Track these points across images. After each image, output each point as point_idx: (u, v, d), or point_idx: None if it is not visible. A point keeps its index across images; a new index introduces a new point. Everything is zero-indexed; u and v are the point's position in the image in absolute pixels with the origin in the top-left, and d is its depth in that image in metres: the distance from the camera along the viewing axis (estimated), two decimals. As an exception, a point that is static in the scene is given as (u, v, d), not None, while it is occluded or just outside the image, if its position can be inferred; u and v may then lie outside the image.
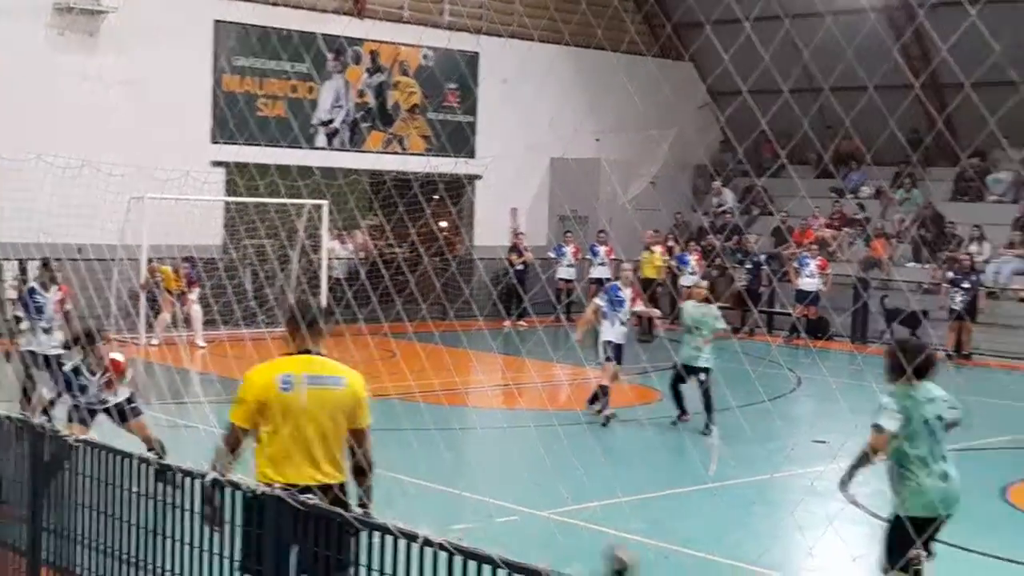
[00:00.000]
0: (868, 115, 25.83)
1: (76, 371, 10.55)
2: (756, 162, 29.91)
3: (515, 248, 26.51)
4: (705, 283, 15.91)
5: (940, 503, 7.22)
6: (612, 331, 14.90)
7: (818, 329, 24.37)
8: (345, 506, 6.19)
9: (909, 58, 27.19)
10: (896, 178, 28.16)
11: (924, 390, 7.41)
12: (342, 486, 6.42)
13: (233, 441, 6.35)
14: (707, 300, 15.01)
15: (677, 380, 14.68)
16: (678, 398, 14.76)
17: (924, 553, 7.32)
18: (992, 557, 9.35)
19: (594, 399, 15.12)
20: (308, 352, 6.39)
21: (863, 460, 7.70)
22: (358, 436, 6.48)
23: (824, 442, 13.95)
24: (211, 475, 6.38)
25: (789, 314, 24.99)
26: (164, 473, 7.08)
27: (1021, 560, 9.43)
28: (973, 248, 24.91)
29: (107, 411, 10.45)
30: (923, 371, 7.34)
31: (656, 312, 19.02)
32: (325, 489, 6.22)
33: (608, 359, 14.79)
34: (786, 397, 17.65)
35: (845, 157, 29.79)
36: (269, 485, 6.10)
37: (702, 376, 14.43)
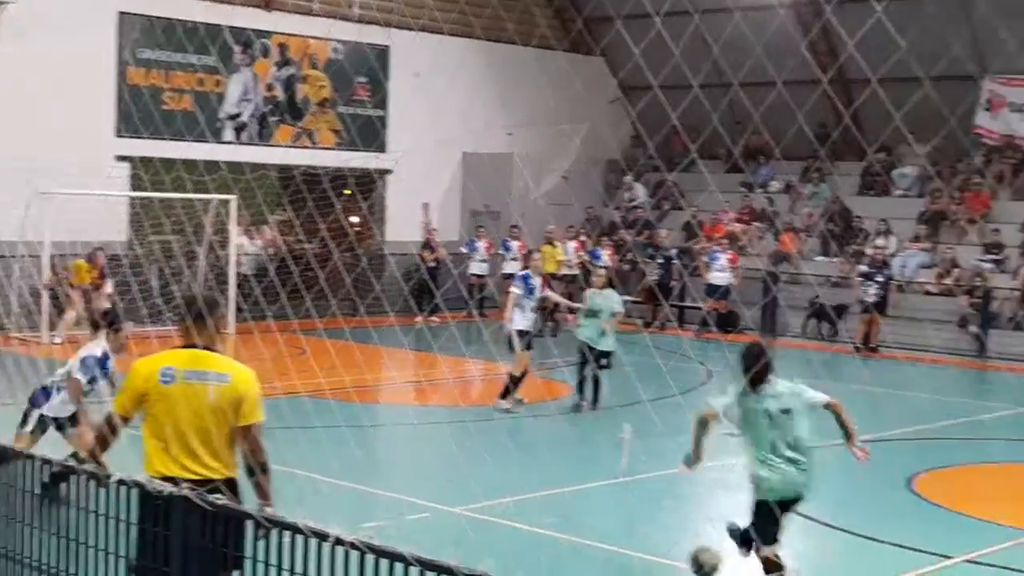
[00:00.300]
0: (777, 110, 26.07)
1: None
2: (667, 157, 30.09)
3: (427, 244, 26.38)
4: (603, 270, 16.61)
5: (783, 487, 7.91)
6: (523, 319, 15.21)
7: (728, 323, 24.59)
8: (234, 499, 6.19)
9: (817, 54, 27.54)
10: (804, 173, 28.52)
11: (765, 389, 7.96)
12: (228, 481, 6.35)
13: (107, 429, 6.36)
14: (609, 286, 15.76)
15: (583, 363, 15.18)
16: (582, 383, 15.24)
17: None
18: (899, 547, 9.47)
19: (505, 393, 15.16)
20: (194, 347, 6.35)
21: (699, 431, 8.38)
22: (244, 433, 6.37)
23: (735, 435, 14.06)
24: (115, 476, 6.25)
25: (700, 308, 25.19)
26: (64, 476, 6.91)
27: (927, 549, 9.56)
28: (880, 242, 25.32)
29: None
30: (760, 377, 7.90)
31: (564, 301, 19.17)
32: (203, 483, 6.11)
33: (522, 348, 15.09)
34: (697, 390, 17.76)
35: (754, 152, 30.10)
36: (159, 478, 6.10)
37: (603, 361, 15.09)
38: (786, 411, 8.01)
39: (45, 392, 10.20)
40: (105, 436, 6.43)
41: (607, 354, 15.16)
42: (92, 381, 10.04)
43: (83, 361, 10.04)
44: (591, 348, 15.09)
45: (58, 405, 10.14)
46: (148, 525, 6.05)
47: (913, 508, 10.95)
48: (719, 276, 24.70)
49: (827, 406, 8.37)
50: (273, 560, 6.56)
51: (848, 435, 8.57)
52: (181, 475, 6.13)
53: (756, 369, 7.84)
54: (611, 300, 15.42)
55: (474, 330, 22.90)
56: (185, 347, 6.40)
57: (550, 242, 25.54)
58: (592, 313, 15.26)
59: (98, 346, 10.28)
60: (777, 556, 7.88)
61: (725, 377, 18.37)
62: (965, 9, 25.41)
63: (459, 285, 25.31)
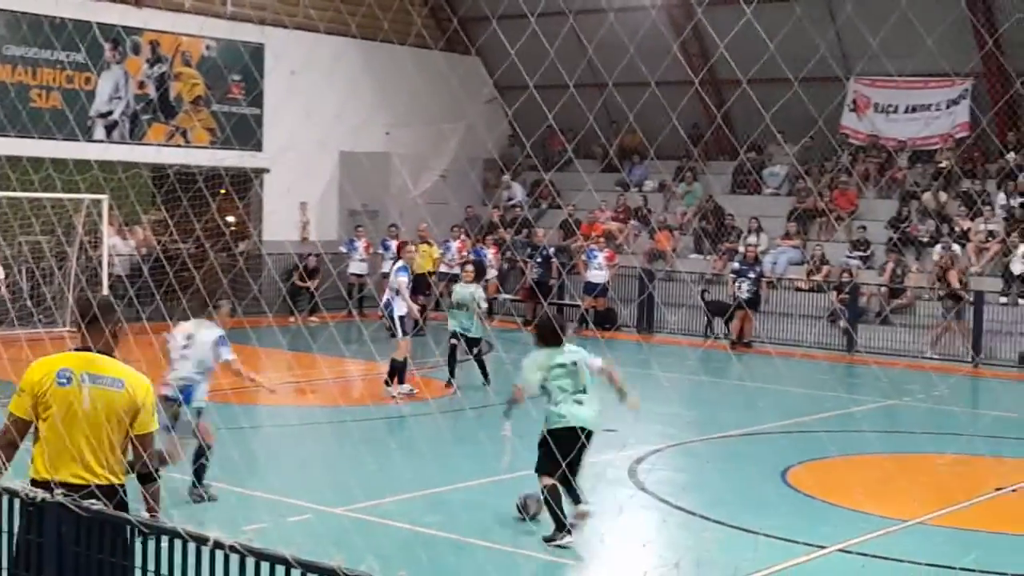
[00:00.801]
0: (651, 110, 26.68)
1: None
2: (544, 156, 30.31)
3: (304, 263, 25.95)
4: (471, 267, 17.82)
5: (573, 418, 9.68)
6: (402, 307, 16.44)
7: (606, 320, 24.88)
8: (117, 508, 6.06)
9: (689, 55, 27.98)
10: (678, 172, 28.96)
11: (560, 348, 9.98)
12: (113, 487, 6.22)
13: (10, 434, 6.17)
14: (475, 281, 17.27)
15: (452, 349, 16.75)
16: (452, 365, 16.74)
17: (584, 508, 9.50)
18: (773, 538, 9.68)
19: (391, 378, 16.02)
20: (89, 350, 6.25)
21: (511, 404, 10.17)
22: (142, 441, 6.28)
23: (614, 431, 14.25)
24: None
25: (579, 305, 25.43)
26: None
27: (800, 540, 9.79)
28: (752, 239, 25.82)
29: None
30: (555, 339, 9.95)
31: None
32: (86, 487, 6.02)
33: (404, 334, 16.26)
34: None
35: (629, 151, 30.46)
36: (42, 485, 5.95)
37: (475, 349, 16.89)
38: (575, 363, 9.90)
39: None
40: (12, 440, 6.20)
41: (477, 340, 16.95)
42: None
43: None
44: (462, 336, 16.75)
45: None
46: (23, 533, 5.90)
47: (787, 500, 11.20)
48: (597, 274, 24.96)
49: (600, 371, 10.14)
50: (151, 566, 6.47)
51: (622, 395, 10.33)
52: (65, 479, 6.02)
53: (555, 333, 9.96)
54: (476, 294, 16.89)
55: (354, 330, 22.80)
56: (80, 350, 6.28)
57: (425, 240, 25.56)
58: (460, 306, 16.88)
59: None
60: (556, 486, 9.38)
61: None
62: (831, 12, 26.06)
63: (338, 284, 25.18)
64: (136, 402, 6.21)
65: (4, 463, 6.11)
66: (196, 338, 10.51)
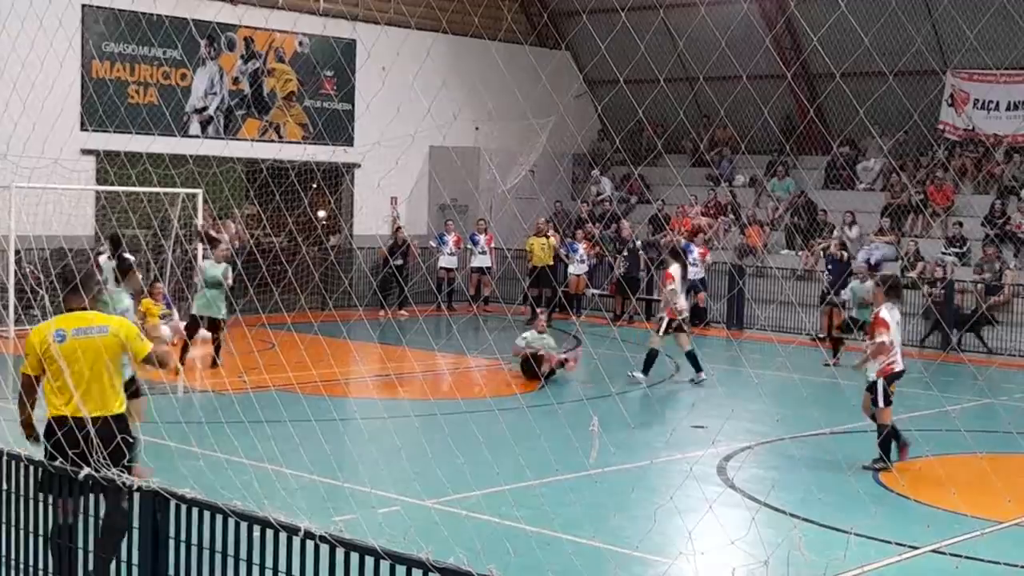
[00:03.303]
0: (742, 104, 26.45)
1: None
2: (633, 150, 30.20)
3: (395, 243, 26.17)
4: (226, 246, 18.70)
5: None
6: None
7: (696, 316, 24.70)
8: (114, 436, 7.34)
9: (781, 48, 27.68)
10: (770, 167, 28.67)
11: None
12: (117, 416, 7.48)
13: (28, 387, 7.57)
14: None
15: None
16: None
17: None
18: (865, 537, 9.55)
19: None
20: (73, 310, 7.61)
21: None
22: (147, 363, 7.73)
23: (702, 427, 14.17)
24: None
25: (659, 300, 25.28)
26: None
27: (892, 539, 9.64)
28: (848, 234, 25.52)
29: None
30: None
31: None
32: (95, 420, 7.32)
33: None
34: (665, 383, 17.86)
35: (720, 145, 30.24)
36: (58, 419, 7.37)
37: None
38: None
39: None
40: (31, 387, 7.59)
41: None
42: None
43: None
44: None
45: None
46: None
47: (879, 499, 11.05)
48: (692, 270, 24.70)
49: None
50: (243, 555, 6.58)
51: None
52: (76, 415, 7.30)
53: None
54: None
55: (443, 323, 22.93)
56: (70, 311, 7.62)
57: (544, 234, 25.88)
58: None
59: None
60: None
61: (688, 369, 18.50)
62: (927, 3, 25.61)
63: (428, 279, 25.34)
64: (121, 339, 7.55)
65: (30, 402, 7.58)
66: None
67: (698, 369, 17.56)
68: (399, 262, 25.63)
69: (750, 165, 28.95)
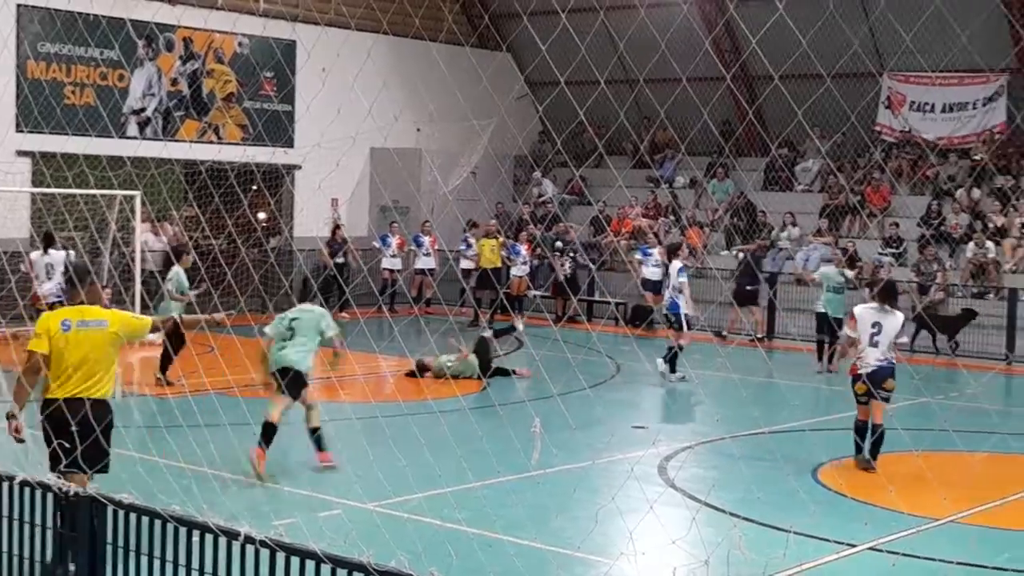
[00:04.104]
0: (682, 106, 26.55)
1: None
2: (575, 152, 30.30)
3: (332, 241, 26.10)
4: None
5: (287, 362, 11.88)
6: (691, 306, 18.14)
7: (637, 317, 24.84)
8: (108, 413, 8.35)
9: (720, 51, 27.89)
10: (710, 168, 28.88)
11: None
12: (102, 400, 8.33)
13: (35, 364, 8.33)
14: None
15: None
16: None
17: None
18: (804, 536, 9.64)
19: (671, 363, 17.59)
20: (81, 303, 8.51)
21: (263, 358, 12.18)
22: (154, 332, 9.27)
23: (643, 427, 14.24)
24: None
25: (608, 302, 25.41)
26: None
27: (831, 538, 9.75)
28: (784, 235, 25.74)
29: None
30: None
31: None
32: (89, 401, 8.23)
33: (689, 327, 18.05)
34: (606, 384, 17.93)
35: (660, 147, 30.41)
36: (51, 401, 8.26)
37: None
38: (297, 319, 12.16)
39: None
40: (36, 367, 8.35)
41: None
42: None
43: None
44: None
45: None
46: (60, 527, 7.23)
47: (818, 497, 11.16)
48: (655, 271, 24.80)
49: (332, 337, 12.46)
50: (183, 560, 6.52)
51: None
52: (72, 395, 8.21)
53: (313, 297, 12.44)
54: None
55: (385, 326, 22.84)
56: (74, 305, 8.54)
57: (493, 235, 25.89)
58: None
59: None
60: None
61: (634, 371, 18.59)
62: (864, 7, 25.92)
63: (369, 281, 25.25)
64: (118, 332, 8.48)
65: (30, 386, 8.34)
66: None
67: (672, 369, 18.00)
68: (340, 260, 25.53)
69: (690, 167, 29.14)
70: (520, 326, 20.72)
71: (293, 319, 12.29)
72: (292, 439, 12.84)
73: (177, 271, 16.80)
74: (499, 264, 25.59)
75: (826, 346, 18.96)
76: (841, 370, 14.14)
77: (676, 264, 18.15)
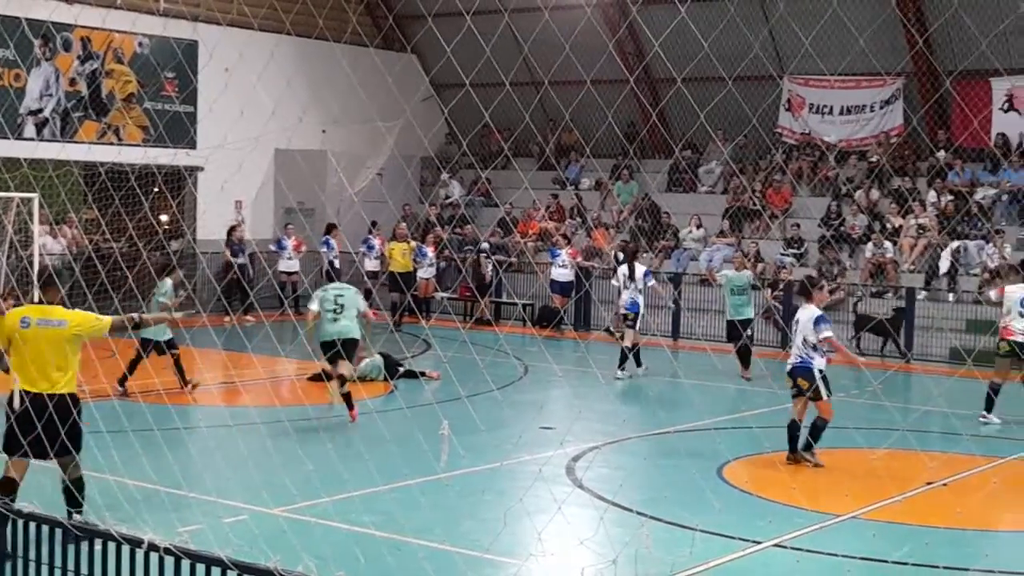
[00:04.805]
0: (587, 108, 26.65)
1: None
2: (481, 154, 30.33)
3: (230, 242, 25.77)
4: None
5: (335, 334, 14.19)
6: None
7: (543, 318, 24.94)
8: (68, 408, 8.75)
9: (624, 53, 28.11)
10: (614, 170, 29.09)
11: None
12: (60, 395, 8.79)
13: None
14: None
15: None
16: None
17: None
18: (710, 533, 9.75)
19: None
20: (42, 303, 9.11)
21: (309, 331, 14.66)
22: (114, 330, 9.30)
23: (551, 428, 14.29)
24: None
25: (515, 303, 25.47)
26: None
27: (737, 535, 9.87)
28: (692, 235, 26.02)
29: None
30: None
31: None
32: (51, 396, 8.79)
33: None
34: (514, 385, 17.97)
35: (566, 149, 30.56)
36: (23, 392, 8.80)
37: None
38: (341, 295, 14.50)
39: None
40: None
41: None
42: None
43: None
44: None
45: None
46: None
47: (723, 495, 11.28)
48: (562, 272, 24.88)
49: (363, 314, 14.72)
50: (84, 569, 6.40)
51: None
52: (36, 390, 8.75)
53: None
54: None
55: (288, 329, 22.65)
56: (37, 303, 9.12)
57: (405, 239, 25.76)
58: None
59: None
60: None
61: (541, 372, 18.67)
62: (764, 10, 26.30)
63: (273, 283, 25.04)
64: (77, 330, 8.96)
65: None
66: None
67: (622, 365, 18.74)
68: (241, 261, 25.26)
69: (595, 168, 29.32)
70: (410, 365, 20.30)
71: (338, 295, 14.58)
72: (193, 446, 12.68)
73: (167, 283, 16.34)
74: (410, 268, 25.47)
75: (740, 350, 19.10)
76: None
77: (641, 268, 19.05)
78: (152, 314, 10.14)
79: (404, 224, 26.39)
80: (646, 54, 27.91)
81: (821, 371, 12.61)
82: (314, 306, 14.53)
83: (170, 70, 26.35)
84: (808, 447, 12.65)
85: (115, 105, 25.88)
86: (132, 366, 15.66)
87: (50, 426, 8.60)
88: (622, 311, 18.93)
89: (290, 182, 26.98)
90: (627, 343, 18.68)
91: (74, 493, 8.80)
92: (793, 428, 12.70)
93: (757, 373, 18.52)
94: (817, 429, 12.64)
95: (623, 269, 19.11)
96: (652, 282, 19.22)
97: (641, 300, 18.85)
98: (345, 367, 14.24)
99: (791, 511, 10.83)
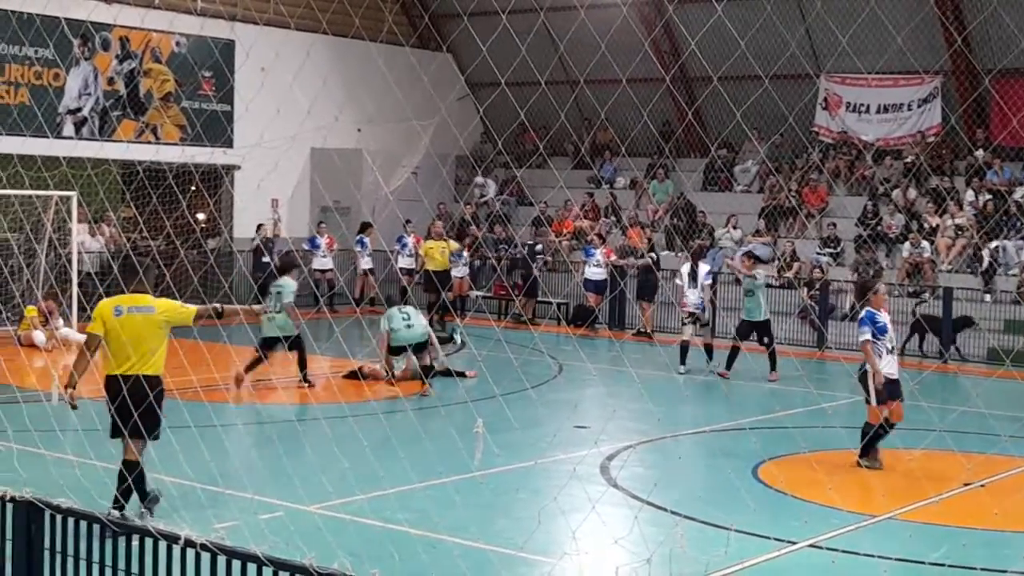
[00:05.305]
0: (622, 107, 26.64)
1: None
2: (516, 153, 30.32)
3: (264, 243, 25.90)
4: None
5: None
6: None
7: (578, 317, 24.91)
8: (154, 388, 9.46)
9: (660, 52, 28.04)
10: (650, 169, 29.02)
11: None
12: (156, 377, 9.62)
13: (93, 344, 9.67)
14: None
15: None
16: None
17: None
18: (745, 533, 9.72)
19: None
20: (135, 292, 9.80)
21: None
22: (197, 321, 9.90)
23: (585, 427, 14.29)
24: None
25: (550, 302, 25.46)
26: None
27: (772, 535, 9.83)
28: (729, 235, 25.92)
29: None
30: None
31: None
32: (143, 377, 9.50)
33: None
34: (548, 384, 17.96)
35: (601, 148, 30.52)
36: (111, 377, 9.51)
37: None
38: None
39: None
40: (93, 348, 9.69)
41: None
42: None
43: None
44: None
45: None
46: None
47: (758, 495, 11.25)
48: (596, 271, 24.89)
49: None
50: (122, 566, 6.45)
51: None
52: (127, 373, 9.45)
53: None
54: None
55: (324, 326, 22.74)
56: (130, 292, 9.77)
57: (442, 237, 25.80)
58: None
59: None
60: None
61: (576, 371, 18.66)
62: (801, 9, 26.16)
63: (309, 281, 25.13)
64: (165, 317, 9.70)
65: (89, 359, 9.69)
66: None
67: (683, 362, 19.06)
68: (264, 259, 25.27)
69: (630, 167, 29.26)
70: (458, 338, 20.93)
71: (405, 316, 16.83)
72: (230, 443, 12.75)
73: (287, 281, 17.18)
74: (447, 267, 25.49)
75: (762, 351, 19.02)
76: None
77: (704, 267, 19.46)
78: (233, 306, 10.59)
79: (440, 222, 26.42)
80: (682, 52, 27.83)
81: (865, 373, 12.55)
82: (392, 323, 16.76)
83: (207, 69, 26.50)
84: (863, 452, 12.61)
85: (153, 104, 26.06)
86: (253, 365, 16.49)
87: (140, 404, 9.17)
88: (689, 309, 19.13)
89: (326, 181, 27.07)
90: (698, 341, 19.22)
91: (126, 476, 9.35)
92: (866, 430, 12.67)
93: (791, 373, 18.44)
94: (863, 433, 12.60)
95: (686, 268, 19.32)
96: (708, 281, 19.59)
97: (706, 299, 19.32)
98: (425, 357, 16.74)
99: (827, 511, 10.78)
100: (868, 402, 12.51)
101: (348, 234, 26.46)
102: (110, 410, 9.53)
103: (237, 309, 10.81)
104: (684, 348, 19.08)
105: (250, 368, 16.41)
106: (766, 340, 18.66)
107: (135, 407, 9.04)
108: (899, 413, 12.65)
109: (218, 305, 10.09)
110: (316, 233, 26.82)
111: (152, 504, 9.52)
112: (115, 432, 9.50)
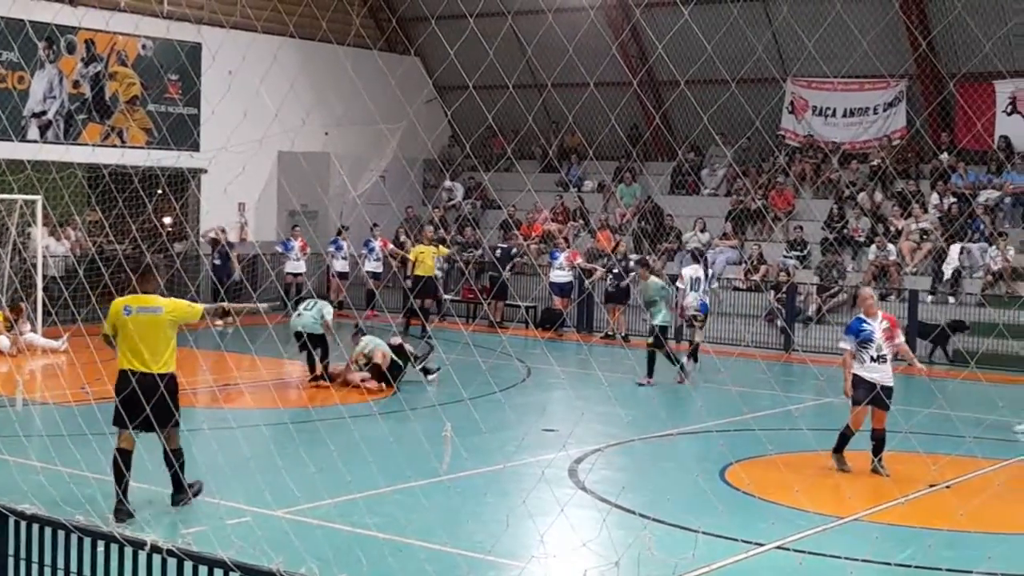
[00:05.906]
0: (590, 111, 26.69)
1: None
2: (484, 156, 30.33)
3: (213, 244, 25.68)
4: None
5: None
6: None
7: (546, 320, 24.93)
8: (163, 385, 9.75)
9: (627, 56, 28.11)
10: (617, 172, 29.09)
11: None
12: (161, 374, 9.91)
13: (107, 342, 10.32)
14: None
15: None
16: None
17: None
18: (712, 535, 9.75)
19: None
20: (143, 293, 10.24)
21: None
22: (202, 321, 10.65)
23: (554, 430, 14.29)
24: None
25: (519, 305, 25.46)
26: None
27: (739, 537, 9.87)
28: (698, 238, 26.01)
29: None
30: None
31: None
32: (151, 374, 9.89)
33: None
34: (517, 387, 17.97)
35: (569, 152, 30.56)
36: (123, 372, 10.01)
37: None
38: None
39: None
40: (105, 345, 10.38)
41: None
42: None
43: None
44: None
45: None
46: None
47: (725, 498, 11.28)
48: (560, 274, 24.91)
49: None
50: (87, 572, 6.40)
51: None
52: (138, 369, 9.91)
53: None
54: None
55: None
56: (138, 293, 10.21)
57: (432, 242, 25.68)
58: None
59: None
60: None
61: (544, 374, 18.66)
62: (767, 13, 26.30)
63: (276, 285, 25.04)
64: (172, 316, 10.16)
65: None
66: None
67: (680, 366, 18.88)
68: (217, 262, 24.99)
69: (598, 171, 29.32)
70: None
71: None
72: (197, 448, 12.68)
73: (326, 303, 18.15)
74: (434, 272, 25.37)
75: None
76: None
77: (699, 270, 19.93)
78: (239, 304, 11.55)
79: (430, 228, 26.21)
80: (649, 56, 27.91)
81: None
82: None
83: (173, 72, 26.38)
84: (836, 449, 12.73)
85: (118, 107, 25.91)
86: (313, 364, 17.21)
87: (154, 401, 9.59)
88: (691, 312, 19.42)
89: (293, 184, 26.98)
90: (698, 339, 19.56)
91: (171, 458, 9.95)
92: (872, 436, 12.73)
93: (761, 375, 18.52)
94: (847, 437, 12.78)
95: (689, 271, 19.65)
96: (714, 284, 20.40)
97: (707, 301, 19.72)
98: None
99: (794, 513, 10.82)
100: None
101: (316, 238, 26.37)
102: (116, 400, 9.90)
103: (242, 308, 11.62)
104: (692, 352, 19.42)
105: (314, 366, 17.25)
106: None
107: (146, 401, 9.50)
108: (858, 421, 12.70)
109: (225, 303, 10.78)
110: (290, 236, 26.71)
111: (181, 498, 10.07)
112: (117, 420, 9.88)
